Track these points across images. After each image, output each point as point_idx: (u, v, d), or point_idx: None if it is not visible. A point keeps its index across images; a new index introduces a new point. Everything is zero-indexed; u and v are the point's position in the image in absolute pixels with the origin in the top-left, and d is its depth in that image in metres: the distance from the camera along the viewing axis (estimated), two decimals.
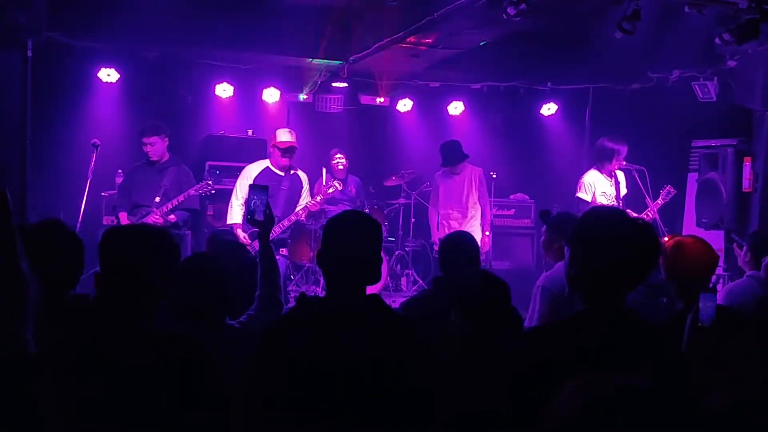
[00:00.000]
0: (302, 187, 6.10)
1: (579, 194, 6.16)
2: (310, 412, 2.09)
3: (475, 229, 6.70)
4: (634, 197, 6.35)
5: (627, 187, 6.33)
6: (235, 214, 5.90)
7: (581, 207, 5.96)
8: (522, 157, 8.69)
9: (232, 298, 2.79)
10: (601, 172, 6.16)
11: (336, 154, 7.83)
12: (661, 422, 1.08)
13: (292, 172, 6.05)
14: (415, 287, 7.92)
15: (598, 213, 2.14)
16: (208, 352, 2.11)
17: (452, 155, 6.84)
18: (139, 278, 2.16)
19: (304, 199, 6.08)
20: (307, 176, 6.26)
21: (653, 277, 4.06)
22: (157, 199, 5.67)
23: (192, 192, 5.75)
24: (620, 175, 6.29)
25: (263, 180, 5.84)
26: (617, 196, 6.17)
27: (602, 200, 6.06)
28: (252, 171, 5.98)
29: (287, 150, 5.91)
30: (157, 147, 5.81)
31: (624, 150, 6.11)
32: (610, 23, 5.21)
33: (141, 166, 5.96)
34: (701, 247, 3.09)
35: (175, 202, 5.68)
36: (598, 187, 6.14)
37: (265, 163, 6.02)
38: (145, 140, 5.79)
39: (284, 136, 5.97)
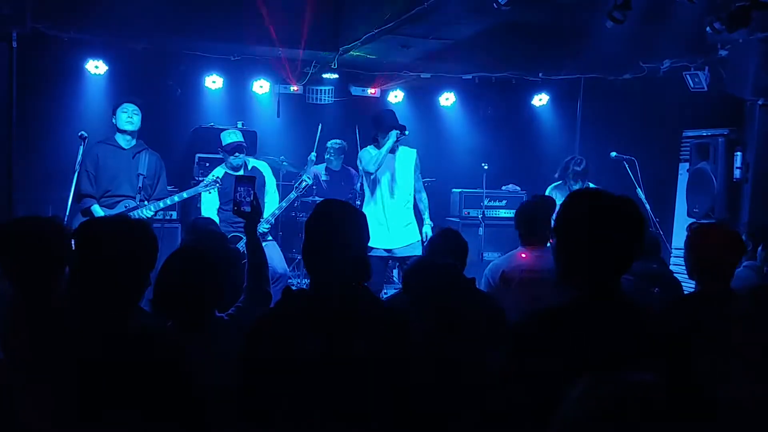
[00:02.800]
0: (264, 179, 6.05)
1: None
2: (297, 406, 2.07)
3: (412, 220, 5.92)
4: (623, 188, 6.40)
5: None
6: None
7: None
8: (513, 148, 8.68)
9: (221, 291, 2.76)
10: (561, 189, 6.46)
11: (329, 143, 7.82)
12: (675, 419, 1.05)
13: (250, 167, 5.99)
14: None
15: (578, 196, 2.09)
16: (188, 351, 2.08)
17: (396, 120, 5.78)
18: (116, 274, 2.11)
19: (272, 186, 6.08)
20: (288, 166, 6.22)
21: (645, 267, 4.09)
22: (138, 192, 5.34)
23: (201, 190, 5.58)
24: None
25: (229, 185, 5.81)
26: None
27: None
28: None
29: (235, 149, 5.82)
30: (139, 120, 5.41)
31: (571, 164, 6.41)
32: (600, 13, 5.19)
33: (109, 148, 5.43)
34: (722, 234, 3.15)
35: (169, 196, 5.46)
36: (558, 200, 6.37)
37: (222, 170, 5.90)
38: (127, 108, 5.34)
39: (229, 137, 5.88)
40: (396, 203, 5.84)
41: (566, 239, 1.99)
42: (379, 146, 5.76)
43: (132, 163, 5.41)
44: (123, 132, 5.44)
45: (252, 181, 3.04)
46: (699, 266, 3.08)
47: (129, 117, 5.42)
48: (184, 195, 5.62)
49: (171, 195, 5.62)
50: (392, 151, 5.79)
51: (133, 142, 5.50)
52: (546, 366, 1.83)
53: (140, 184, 5.37)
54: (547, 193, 6.50)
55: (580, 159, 6.51)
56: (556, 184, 6.61)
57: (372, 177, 5.82)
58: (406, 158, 5.89)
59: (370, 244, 5.63)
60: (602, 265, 1.93)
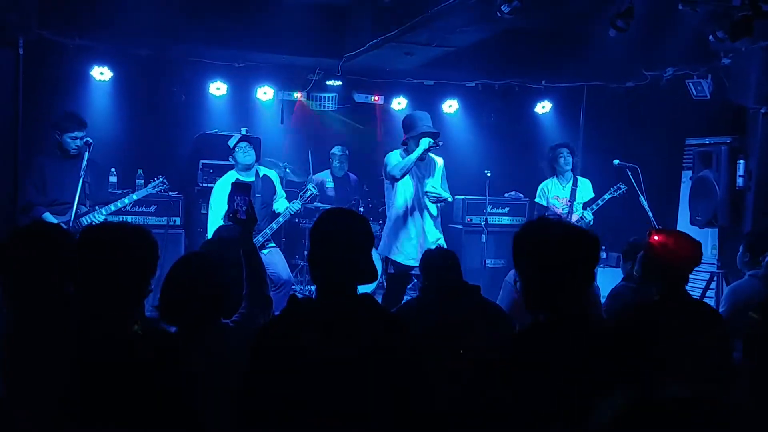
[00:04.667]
0: (274, 186, 6.10)
1: (536, 199, 6.82)
2: (300, 412, 2.08)
3: (440, 235, 5.67)
4: (626, 196, 6.44)
5: (594, 191, 6.75)
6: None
7: (536, 210, 6.68)
8: (516, 156, 8.68)
9: (228, 297, 2.78)
10: (557, 177, 6.73)
11: (332, 150, 7.88)
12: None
13: (262, 174, 6.04)
14: (409, 286, 7.91)
15: (528, 228, 2.12)
16: (194, 357, 2.09)
17: (429, 125, 5.46)
18: (116, 278, 2.13)
19: (281, 196, 6.12)
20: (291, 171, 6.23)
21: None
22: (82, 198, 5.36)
23: (150, 191, 5.80)
24: (583, 182, 6.76)
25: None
26: (570, 200, 6.64)
27: (555, 203, 6.66)
28: (224, 187, 5.81)
29: (240, 140, 5.91)
30: (80, 141, 5.50)
31: (561, 150, 6.71)
32: (604, 21, 5.20)
33: (52, 159, 5.53)
34: (684, 242, 3.11)
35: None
36: (551, 192, 6.68)
37: (233, 176, 5.95)
38: (76, 135, 5.46)
39: (234, 138, 6.00)
40: (424, 216, 5.56)
41: (520, 269, 2.04)
42: (408, 152, 5.48)
43: (76, 170, 5.42)
44: (66, 152, 5.51)
45: (248, 189, 3.07)
46: (662, 273, 3.04)
47: (77, 146, 5.48)
48: (134, 197, 5.76)
49: (120, 198, 5.74)
50: (421, 158, 5.46)
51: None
52: (514, 390, 1.88)
53: (87, 191, 5.40)
54: (541, 186, 6.75)
55: (572, 148, 6.73)
56: (546, 182, 6.77)
57: (399, 186, 5.50)
58: (434, 168, 5.60)
59: (395, 258, 5.62)
60: (552, 293, 2.00)
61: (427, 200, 5.60)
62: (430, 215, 5.62)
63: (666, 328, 2.85)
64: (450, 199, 5.73)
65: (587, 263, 2.02)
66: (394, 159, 5.52)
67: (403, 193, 5.56)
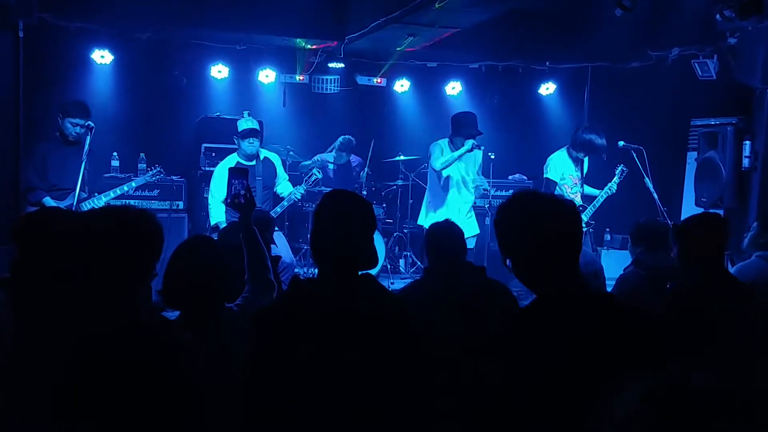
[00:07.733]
0: (275, 169, 6.11)
1: (548, 174, 6.51)
2: (303, 394, 2.07)
3: (472, 215, 6.58)
4: (631, 177, 6.39)
5: (588, 166, 6.62)
6: (216, 213, 5.85)
7: (550, 187, 6.38)
8: (520, 137, 8.63)
9: (232, 282, 2.76)
10: (570, 156, 6.46)
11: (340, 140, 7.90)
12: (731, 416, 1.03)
13: (263, 157, 6.03)
14: (413, 269, 7.91)
15: (514, 199, 2.04)
16: (197, 343, 2.07)
17: (475, 127, 6.32)
18: (120, 263, 2.10)
19: (283, 179, 6.14)
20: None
21: (657, 260, 4.02)
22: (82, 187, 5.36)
23: (148, 179, 5.85)
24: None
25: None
26: (581, 177, 6.51)
27: (568, 182, 6.42)
28: (224, 171, 5.80)
29: (249, 134, 5.88)
30: (80, 128, 5.47)
31: (600, 146, 6.32)
32: (609, 1, 5.15)
33: (54, 144, 5.53)
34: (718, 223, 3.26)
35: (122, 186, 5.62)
36: (565, 169, 6.44)
37: (234, 159, 5.96)
38: (77, 122, 5.44)
39: (245, 123, 5.98)
40: (462, 200, 6.43)
41: (502, 239, 1.99)
42: (453, 146, 6.26)
43: (77, 156, 5.41)
44: (66, 137, 5.49)
45: (246, 173, 3.04)
46: (701, 256, 3.10)
47: (77, 132, 5.46)
48: (133, 184, 5.80)
49: (121, 183, 5.77)
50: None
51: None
52: (512, 368, 1.84)
53: (86, 178, 5.39)
54: (552, 162, 6.49)
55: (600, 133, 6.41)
56: (558, 153, 6.52)
57: (439, 174, 6.31)
58: (475, 158, 6.49)
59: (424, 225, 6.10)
60: (541, 266, 1.92)
61: (467, 186, 6.48)
62: (463, 199, 6.48)
63: (712, 313, 2.86)
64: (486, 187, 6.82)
65: (579, 231, 1.96)
66: (438, 151, 6.27)
67: (448, 173, 6.34)
